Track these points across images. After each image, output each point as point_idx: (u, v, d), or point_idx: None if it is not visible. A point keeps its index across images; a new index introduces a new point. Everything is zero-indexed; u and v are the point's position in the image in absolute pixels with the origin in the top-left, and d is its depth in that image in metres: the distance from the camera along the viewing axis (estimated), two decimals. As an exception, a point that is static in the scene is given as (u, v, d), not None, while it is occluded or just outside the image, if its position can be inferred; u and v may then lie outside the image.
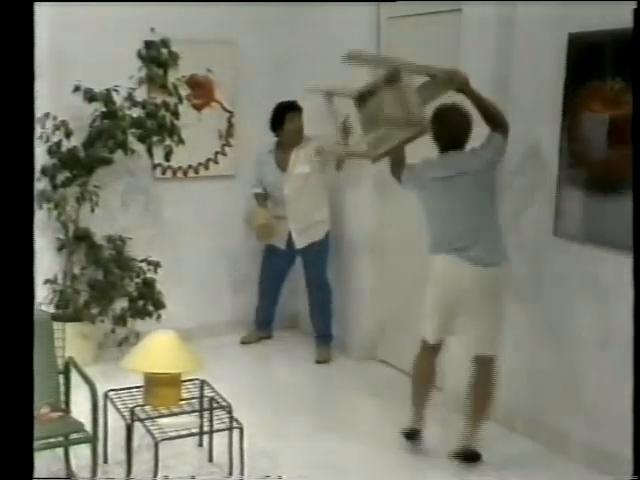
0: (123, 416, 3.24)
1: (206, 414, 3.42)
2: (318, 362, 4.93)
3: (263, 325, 5.31)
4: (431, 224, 3.53)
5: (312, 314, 5.09)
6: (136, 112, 4.62)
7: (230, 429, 3.29)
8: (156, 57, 4.70)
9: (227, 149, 5.23)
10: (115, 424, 3.34)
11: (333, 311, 5.05)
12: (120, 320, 4.73)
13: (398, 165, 3.62)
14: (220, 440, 3.41)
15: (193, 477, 3.28)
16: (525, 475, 3.47)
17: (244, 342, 5.23)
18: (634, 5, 2.70)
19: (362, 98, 3.54)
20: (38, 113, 4.03)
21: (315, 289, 5.03)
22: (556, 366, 3.68)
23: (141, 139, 4.61)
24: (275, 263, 5.14)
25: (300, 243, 4.92)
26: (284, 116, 4.81)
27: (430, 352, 3.65)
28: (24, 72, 1.70)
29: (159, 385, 3.18)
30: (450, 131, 3.44)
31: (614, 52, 3.27)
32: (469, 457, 3.53)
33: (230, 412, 3.30)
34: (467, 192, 3.41)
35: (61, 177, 4.55)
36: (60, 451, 3.28)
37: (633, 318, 2.22)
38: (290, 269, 5.20)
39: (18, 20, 1.68)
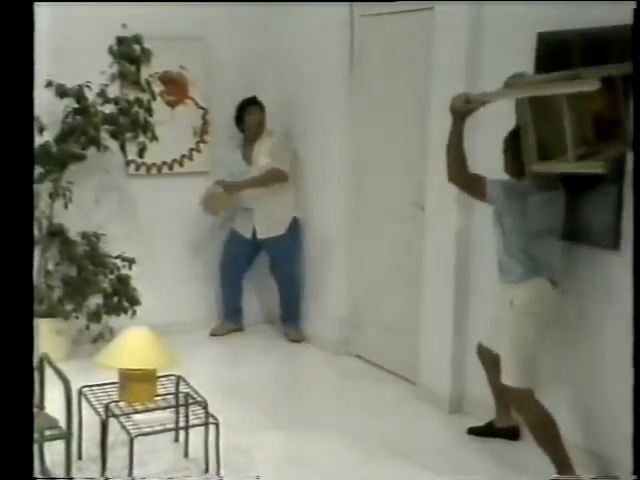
0: (98, 412, 3.24)
1: (182, 410, 3.43)
2: (293, 341, 5.17)
3: (231, 315, 5.34)
4: (531, 247, 3.26)
5: (280, 302, 5.31)
6: (109, 108, 4.62)
7: (206, 424, 3.30)
8: (128, 53, 4.69)
9: (202, 146, 5.24)
10: (90, 420, 3.34)
11: (301, 300, 5.26)
12: (94, 316, 4.72)
13: (463, 172, 3.32)
14: (196, 436, 3.42)
15: (170, 478, 3.28)
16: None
17: (213, 334, 5.26)
18: (621, 4, 2.79)
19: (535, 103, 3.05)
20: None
21: (280, 281, 5.25)
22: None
23: (114, 135, 4.61)
24: (238, 250, 5.23)
25: (261, 234, 5.10)
26: (244, 110, 5.04)
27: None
28: (24, 71, 1.71)
29: (134, 381, 3.19)
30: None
31: (581, 51, 3.31)
32: None
33: (206, 408, 3.32)
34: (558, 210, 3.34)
35: (34, 173, 4.52)
36: (34, 447, 3.26)
37: (633, 318, 2.28)
38: (254, 258, 5.29)
39: (18, 20, 1.69)
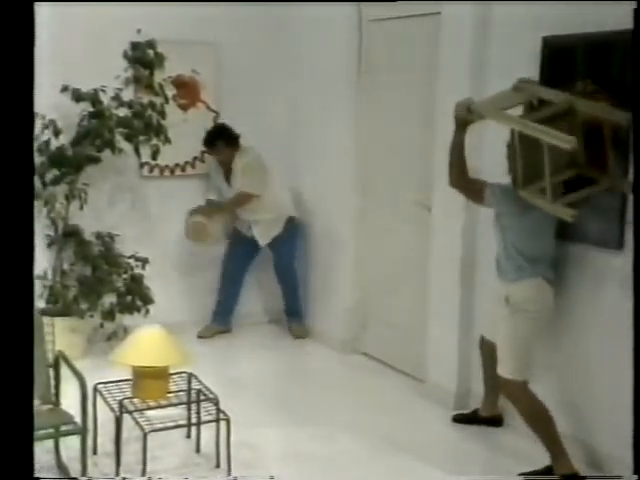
0: (112, 408, 3.31)
1: (193, 406, 3.49)
2: (296, 337, 5.30)
3: (221, 317, 5.39)
4: (527, 247, 3.36)
5: (283, 298, 5.43)
6: (123, 112, 4.70)
7: (217, 421, 3.36)
8: (142, 58, 4.79)
9: (213, 148, 5.33)
10: (104, 416, 3.41)
11: (301, 295, 5.40)
12: (109, 315, 4.79)
13: (461, 175, 3.43)
14: (207, 432, 3.49)
15: (186, 478, 3.33)
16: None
17: (201, 336, 5.28)
18: (622, 5, 2.84)
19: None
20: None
21: (280, 278, 5.38)
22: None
23: (128, 138, 4.69)
24: (239, 248, 5.33)
25: (262, 241, 5.26)
26: (210, 145, 5.07)
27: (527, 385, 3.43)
28: (24, 72, 1.75)
29: (147, 378, 3.25)
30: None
31: (585, 55, 3.36)
32: None
33: (217, 404, 3.38)
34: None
35: (50, 175, 4.63)
36: (50, 443, 3.34)
37: (633, 318, 2.32)
38: (255, 256, 5.38)
39: (18, 20, 1.73)
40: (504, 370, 3.40)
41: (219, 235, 5.10)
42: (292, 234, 5.29)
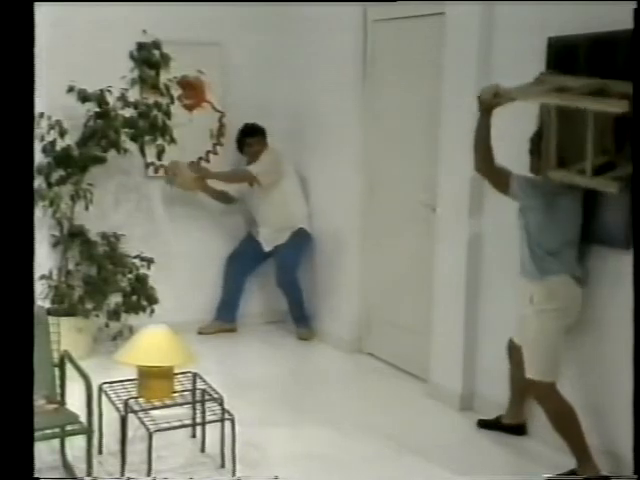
0: (117, 408, 3.32)
1: (198, 406, 3.51)
2: (301, 339, 5.30)
3: (224, 314, 5.42)
4: (553, 244, 3.33)
5: (288, 305, 5.44)
6: (129, 112, 4.72)
7: (222, 420, 3.38)
8: (148, 58, 4.81)
9: (218, 148, 5.35)
10: (109, 416, 3.42)
11: (304, 301, 5.38)
12: (114, 315, 4.80)
13: (489, 162, 3.37)
14: (212, 431, 3.50)
15: (191, 478, 3.34)
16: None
17: (201, 332, 5.32)
18: (627, 5, 2.83)
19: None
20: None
21: (281, 287, 5.36)
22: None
23: (133, 138, 4.71)
24: (248, 249, 5.39)
25: (267, 247, 5.31)
26: (242, 140, 5.24)
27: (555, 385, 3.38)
28: (24, 72, 1.75)
29: (152, 378, 3.27)
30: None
31: (590, 55, 3.35)
32: None
33: (222, 404, 3.39)
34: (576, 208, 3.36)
35: (55, 175, 4.65)
36: (56, 442, 3.35)
37: (633, 318, 2.31)
38: (261, 261, 5.42)
39: (18, 20, 1.73)
40: (531, 371, 3.35)
41: (190, 181, 5.10)
42: (296, 244, 5.29)
